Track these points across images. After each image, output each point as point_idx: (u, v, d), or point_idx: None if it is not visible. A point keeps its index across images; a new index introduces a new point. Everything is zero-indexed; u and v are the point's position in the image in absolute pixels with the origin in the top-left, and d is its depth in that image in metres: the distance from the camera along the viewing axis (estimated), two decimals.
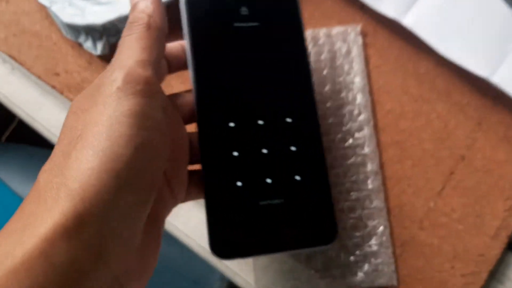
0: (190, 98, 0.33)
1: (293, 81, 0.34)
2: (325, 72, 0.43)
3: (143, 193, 0.25)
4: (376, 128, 0.43)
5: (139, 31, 0.28)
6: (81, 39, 0.44)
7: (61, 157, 0.24)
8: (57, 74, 0.46)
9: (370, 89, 0.43)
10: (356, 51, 0.43)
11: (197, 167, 0.32)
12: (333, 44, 0.43)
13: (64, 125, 0.26)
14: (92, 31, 0.43)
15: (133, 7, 0.30)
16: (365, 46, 0.44)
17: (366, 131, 0.41)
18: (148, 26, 0.28)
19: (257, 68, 0.34)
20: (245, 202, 0.31)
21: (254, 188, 0.31)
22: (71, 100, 0.45)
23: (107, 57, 0.45)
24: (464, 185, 0.41)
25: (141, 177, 0.24)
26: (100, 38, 0.44)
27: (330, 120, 0.42)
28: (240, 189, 0.31)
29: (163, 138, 0.26)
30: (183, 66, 0.34)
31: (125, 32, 0.29)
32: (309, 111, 0.34)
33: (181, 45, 0.34)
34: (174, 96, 0.33)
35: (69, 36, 0.45)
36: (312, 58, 0.41)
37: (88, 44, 0.44)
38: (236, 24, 0.34)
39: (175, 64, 0.34)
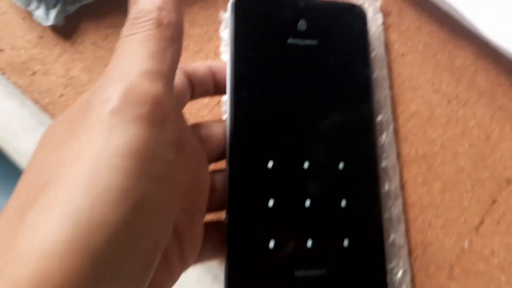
0: (220, 130, 0.26)
1: (353, 117, 0.28)
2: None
3: (138, 277, 0.17)
4: (397, 135, 0.32)
5: (146, 29, 0.20)
6: (32, 6, 0.34)
7: (11, 222, 0.16)
8: (1, 50, 0.35)
9: (391, 84, 0.33)
10: (375, 33, 0.33)
11: (215, 216, 0.26)
12: None
13: (27, 167, 0.19)
14: None
15: None
16: (386, 28, 0.34)
17: (384, 139, 0.31)
18: (159, 23, 0.20)
19: (310, 97, 0.28)
20: (277, 271, 0.25)
21: (290, 253, 0.26)
22: (14, 82, 0.34)
23: (62, 30, 0.35)
24: (510, 220, 0.31)
25: (135, 254, 0.17)
26: (55, 6, 0.33)
27: None
28: (272, 253, 0.25)
29: (174, 190, 0.19)
30: (210, 92, 0.28)
31: (125, 31, 0.20)
32: (368, 157, 0.28)
33: (209, 68, 0.27)
34: (199, 126, 0.26)
35: (19, 2, 0.34)
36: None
37: (38, 13, 0.34)
38: (290, 41, 0.28)
39: (200, 89, 0.27)
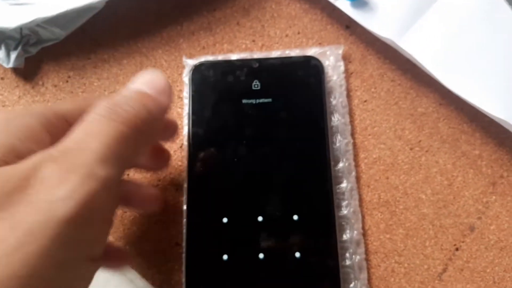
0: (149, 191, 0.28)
1: (307, 169, 0.29)
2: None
3: None
4: (359, 182, 0.32)
5: (124, 123, 0.20)
6: None
7: None
8: None
9: (353, 131, 0.33)
10: (337, 80, 0.33)
11: None
12: None
13: None
14: (7, 39, 0.33)
15: (137, 86, 0.22)
16: (348, 74, 0.34)
17: (346, 186, 0.31)
18: (136, 126, 0.20)
19: (264, 153, 0.29)
20: None
21: None
22: None
23: (23, 72, 0.34)
24: (473, 267, 0.31)
25: None
26: (16, 48, 0.33)
27: None
28: None
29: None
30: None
31: (100, 109, 0.20)
32: (324, 207, 0.28)
33: None
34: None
35: None
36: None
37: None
38: (245, 101, 0.30)
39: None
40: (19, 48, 0.33)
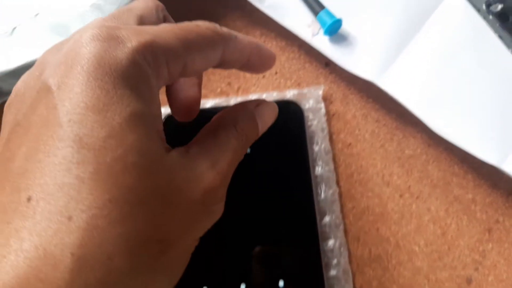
0: None
1: (292, 229, 0.27)
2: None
3: None
4: (348, 235, 0.29)
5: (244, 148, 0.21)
6: None
7: None
8: None
9: (338, 178, 0.30)
10: (318, 124, 0.30)
11: None
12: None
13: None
14: None
15: (266, 122, 0.23)
16: (330, 116, 0.32)
17: (334, 242, 0.28)
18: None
19: (246, 211, 0.26)
20: None
21: None
22: None
23: None
24: None
25: None
26: None
27: None
28: None
29: None
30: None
31: (233, 133, 0.21)
32: (312, 269, 0.26)
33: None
34: None
35: None
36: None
37: None
38: None
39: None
40: None
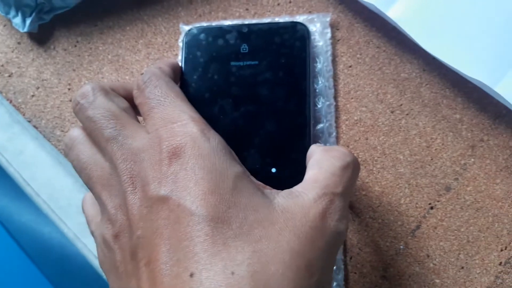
0: None
1: (288, 131, 0.31)
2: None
3: None
4: (338, 142, 0.33)
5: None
6: (11, 14, 0.38)
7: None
8: None
9: (336, 94, 0.34)
10: (323, 46, 0.35)
11: None
12: None
13: None
14: (23, 7, 0.37)
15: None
16: (335, 41, 0.36)
17: (325, 145, 0.32)
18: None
19: (249, 110, 0.31)
20: None
21: None
22: None
23: (37, 37, 0.38)
24: (447, 225, 0.32)
25: None
26: (31, 14, 0.37)
27: None
28: None
29: None
30: None
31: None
32: (301, 164, 0.29)
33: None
34: None
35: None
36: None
37: (16, 21, 0.37)
38: (234, 63, 0.32)
39: None
40: (34, 15, 0.37)
